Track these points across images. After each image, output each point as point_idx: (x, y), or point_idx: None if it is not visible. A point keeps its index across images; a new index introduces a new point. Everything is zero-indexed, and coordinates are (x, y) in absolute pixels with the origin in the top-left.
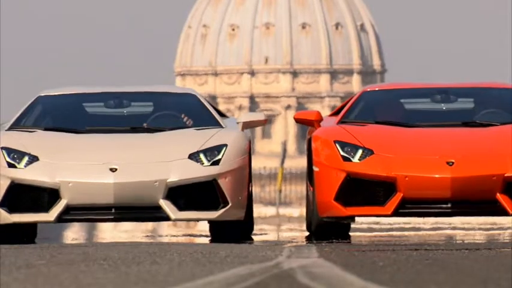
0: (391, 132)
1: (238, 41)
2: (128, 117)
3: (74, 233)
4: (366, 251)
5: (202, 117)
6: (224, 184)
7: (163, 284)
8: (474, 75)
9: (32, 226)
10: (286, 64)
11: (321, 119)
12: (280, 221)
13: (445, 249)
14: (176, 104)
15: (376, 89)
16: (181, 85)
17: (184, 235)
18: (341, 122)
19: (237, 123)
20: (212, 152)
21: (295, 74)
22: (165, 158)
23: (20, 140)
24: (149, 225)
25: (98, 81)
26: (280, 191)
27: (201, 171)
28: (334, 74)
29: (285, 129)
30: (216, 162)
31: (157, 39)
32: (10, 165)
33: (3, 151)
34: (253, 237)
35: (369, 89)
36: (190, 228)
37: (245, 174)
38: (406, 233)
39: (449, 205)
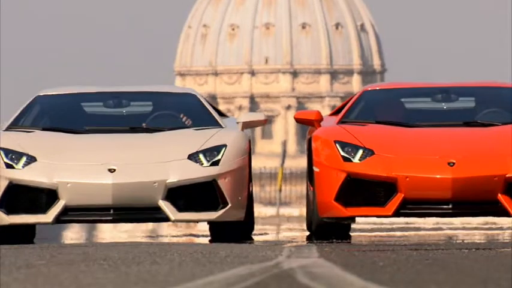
0: (392, 132)
1: (238, 41)
2: (127, 117)
3: (73, 233)
4: (366, 251)
5: (201, 117)
6: (224, 185)
7: (163, 284)
8: (474, 75)
9: (31, 227)
10: (286, 64)
11: (321, 119)
12: (280, 221)
13: (445, 249)
14: (175, 103)
15: (377, 88)
16: (181, 85)
17: (184, 235)
18: (341, 121)
19: (237, 123)
20: (212, 153)
21: (295, 74)
22: (164, 159)
23: (18, 140)
24: (149, 225)
25: (98, 81)
26: (280, 191)
27: (201, 171)
28: (334, 74)
29: (285, 129)
30: (216, 163)
31: (157, 39)
32: (8, 166)
33: (1, 151)
34: (253, 237)
35: (369, 89)
36: (190, 228)
37: (245, 175)
38: (406, 233)
39: (450, 206)
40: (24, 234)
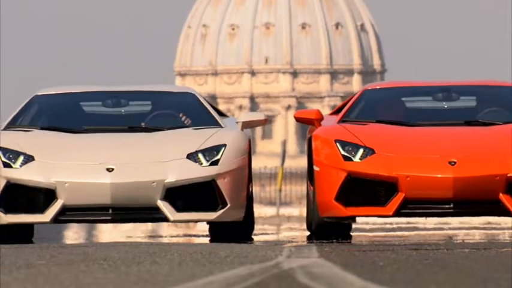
0: (393, 131)
1: (238, 40)
2: (125, 117)
3: (72, 233)
4: (366, 251)
5: (201, 117)
6: (223, 185)
7: (163, 284)
8: (474, 75)
9: (29, 226)
10: (286, 64)
11: (321, 118)
12: (280, 221)
13: (445, 249)
14: (175, 103)
15: (378, 87)
16: (181, 85)
17: (184, 235)
18: (342, 120)
19: (237, 122)
20: (211, 152)
21: (295, 74)
22: (163, 158)
23: (16, 140)
24: (149, 225)
25: (98, 81)
26: (280, 191)
27: (200, 171)
28: (334, 74)
29: (285, 129)
30: (215, 163)
31: (157, 39)
32: (5, 165)
33: None
34: (253, 237)
35: (370, 88)
36: (190, 228)
37: (244, 175)
38: (406, 233)
39: (451, 205)
40: (22, 234)
